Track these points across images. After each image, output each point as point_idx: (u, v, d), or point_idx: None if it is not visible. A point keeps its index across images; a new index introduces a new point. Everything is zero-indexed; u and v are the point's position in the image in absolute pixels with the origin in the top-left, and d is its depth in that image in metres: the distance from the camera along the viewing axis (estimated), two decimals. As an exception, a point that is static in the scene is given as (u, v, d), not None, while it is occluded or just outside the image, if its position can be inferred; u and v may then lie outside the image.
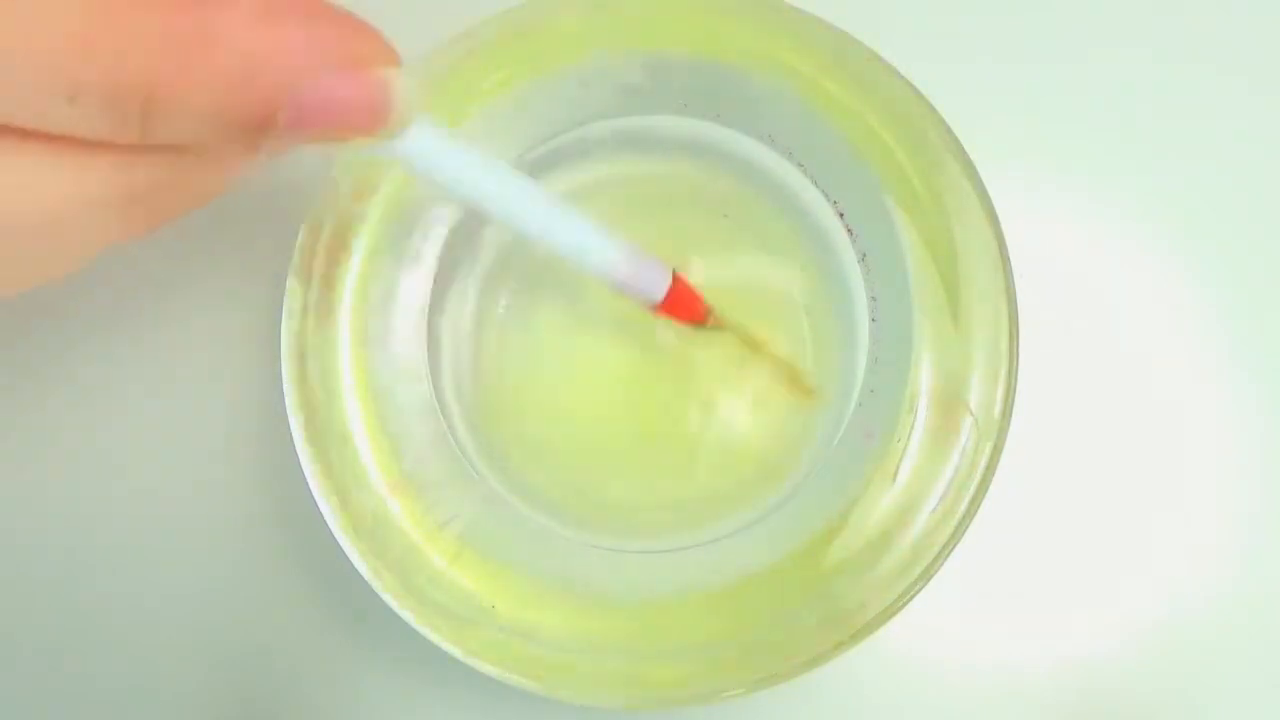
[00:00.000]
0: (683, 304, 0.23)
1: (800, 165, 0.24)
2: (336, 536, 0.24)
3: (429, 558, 0.24)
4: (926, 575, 0.23)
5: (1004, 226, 0.24)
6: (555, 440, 0.26)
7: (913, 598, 0.23)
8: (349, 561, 0.23)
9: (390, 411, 0.24)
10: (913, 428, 0.23)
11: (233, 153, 0.18)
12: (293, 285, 0.24)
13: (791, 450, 0.25)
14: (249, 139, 0.16)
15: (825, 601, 0.23)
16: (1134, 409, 0.27)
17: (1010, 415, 0.23)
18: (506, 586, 0.24)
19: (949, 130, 0.24)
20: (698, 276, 0.24)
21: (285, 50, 0.15)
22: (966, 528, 0.23)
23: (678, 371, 0.26)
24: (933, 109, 0.24)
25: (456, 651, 0.23)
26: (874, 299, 0.24)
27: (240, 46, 0.15)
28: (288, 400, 0.24)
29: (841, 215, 0.24)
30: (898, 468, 0.23)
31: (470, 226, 0.25)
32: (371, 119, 0.16)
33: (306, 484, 0.24)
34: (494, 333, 0.26)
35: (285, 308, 0.24)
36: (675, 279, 0.23)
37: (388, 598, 0.23)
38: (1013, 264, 0.23)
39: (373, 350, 0.24)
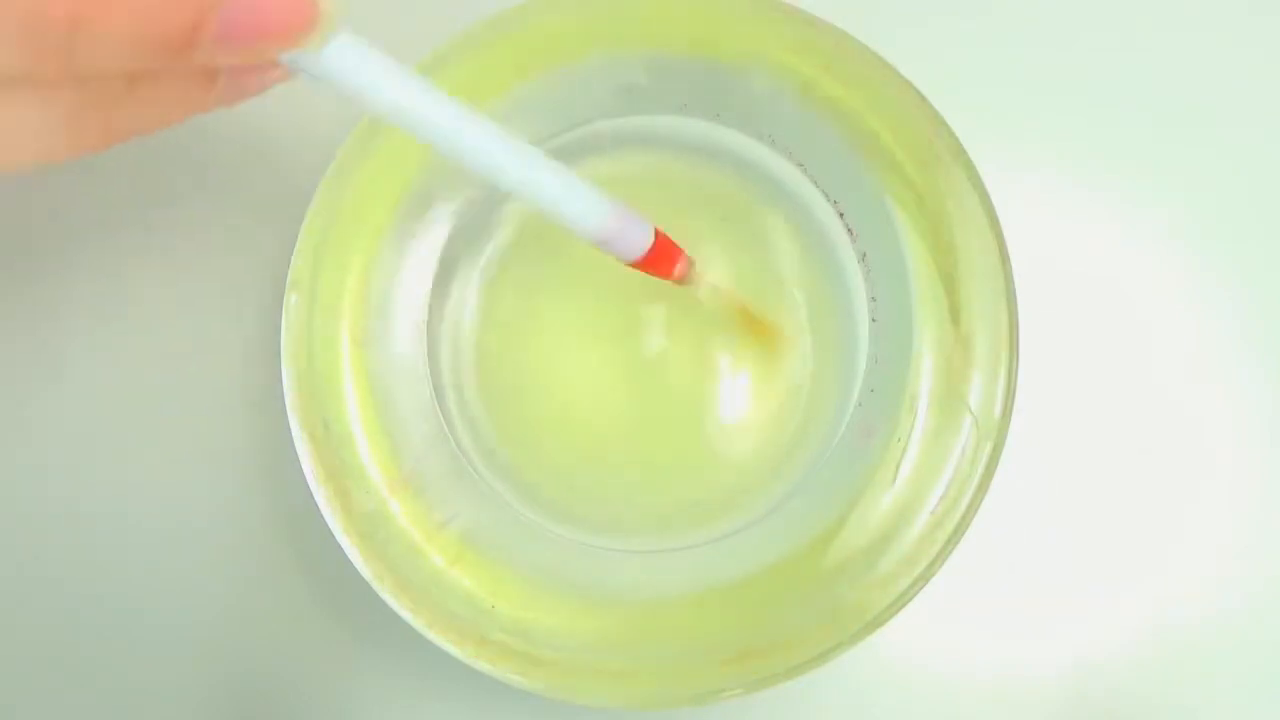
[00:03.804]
0: (664, 259, 0.23)
1: (800, 165, 0.24)
2: (336, 536, 0.24)
3: (429, 558, 0.24)
4: (926, 575, 0.23)
5: (1004, 226, 0.24)
6: (555, 441, 0.26)
7: (913, 598, 0.23)
8: (349, 561, 0.24)
9: (390, 411, 0.24)
10: (913, 427, 0.23)
11: (180, 83, 0.18)
12: (293, 286, 0.24)
13: (791, 451, 0.25)
14: (177, 60, 0.15)
15: (825, 601, 0.23)
16: (1134, 409, 0.27)
17: (1010, 415, 0.23)
18: (506, 586, 0.24)
19: (949, 130, 0.24)
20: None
21: None
22: (966, 528, 0.23)
23: (678, 373, 0.26)
24: (932, 109, 0.24)
25: (456, 651, 0.23)
26: (874, 299, 0.24)
27: None
28: (288, 400, 0.24)
29: (841, 215, 0.24)
30: (898, 468, 0.23)
31: (471, 228, 0.25)
32: (298, 25, 0.16)
33: (307, 484, 0.24)
34: (494, 334, 0.26)
35: (285, 309, 0.24)
36: (658, 234, 0.22)
37: (388, 598, 0.23)
38: (1013, 264, 0.23)
39: (373, 350, 0.24)
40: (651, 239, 0.22)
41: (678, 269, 0.23)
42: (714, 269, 0.26)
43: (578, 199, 0.21)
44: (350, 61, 0.17)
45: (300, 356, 0.24)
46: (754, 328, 0.25)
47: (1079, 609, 0.27)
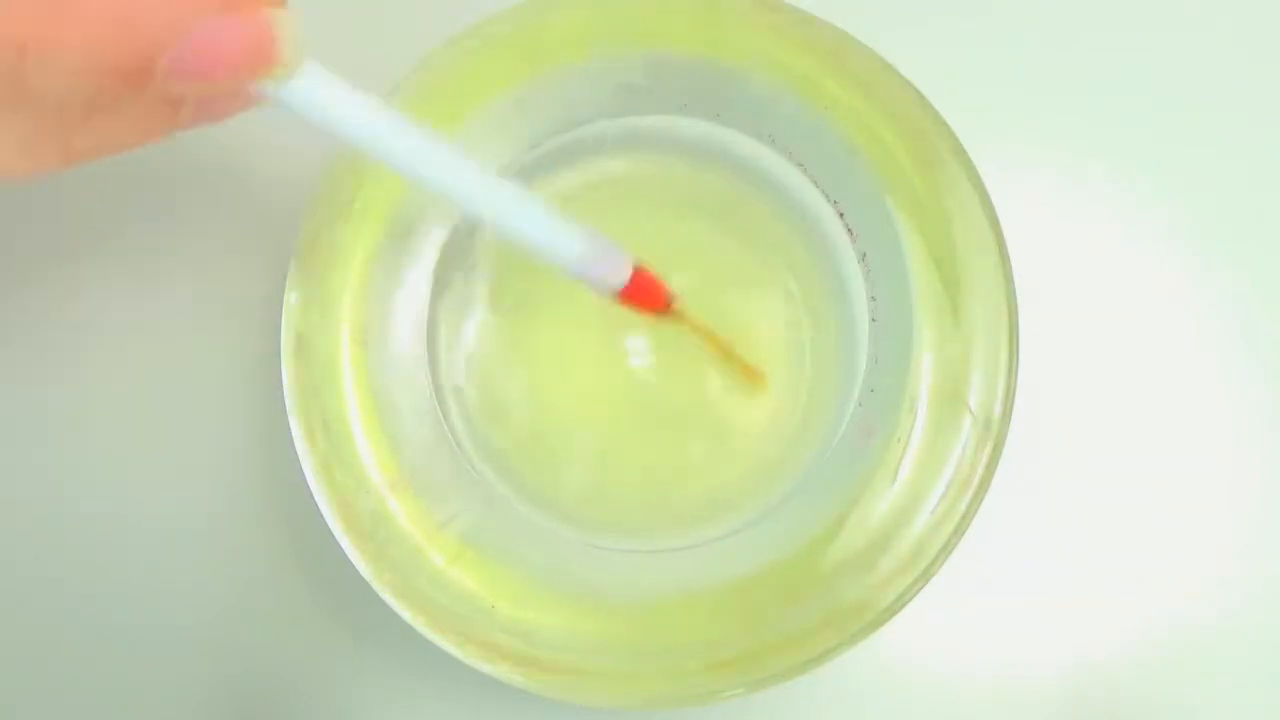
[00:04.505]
0: (645, 293, 0.22)
1: (800, 165, 0.24)
2: (336, 536, 0.24)
3: (429, 558, 0.24)
4: (926, 575, 0.23)
5: (1004, 226, 0.24)
6: (555, 440, 0.26)
7: (913, 598, 0.23)
8: (349, 561, 0.23)
9: (390, 411, 0.24)
10: (913, 427, 0.23)
11: (142, 108, 0.18)
12: (292, 286, 0.24)
13: (791, 451, 0.25)
14: (133, 90, 0.15)
15: (825, 601, 0.23)
16: (1134, 409, 0.27)
17: (1010, 415, 0.23)
18: (506, 586, 0.24)
19: (949, 130, 0.24)
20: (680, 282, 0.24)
21: None
22: (966, 528, 0.23)
23: (679, 373, 0.26)
24: (932, 108, 0.24)
25: (456, 651, 0.23)
26: (874, 299, 0.24)
27: None
28: (288, 401, 0.24)
29: (841, 215, 0.24)
30: (898, 467, 0.23)
31: (471, 227, 0.25)
32: (258, 61, 0.16)
33: (306, 484, 0.24)
34: (494, 333, 0.26)
35: (285, 308, 0.24)
36: (637, 268, 0.22)
37: (388, 598, 0.23)
38: (1013, 264, 0.23)
39: (373, 350, 0.24)
40: (629, 271, 0.22)
41: (660, 303, 0.23)
42: (714, 267, 0.26)
43: (551, 228, 0.20)
44: (316, 95, 0.17)
45: (300, 356, 0.24)
46: (732, 364, 0.25)
47: (1079, 609, 0.27)
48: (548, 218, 0.20)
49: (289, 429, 0.24)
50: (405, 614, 0.23)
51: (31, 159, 0.17)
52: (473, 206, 0.19)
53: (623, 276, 0.22)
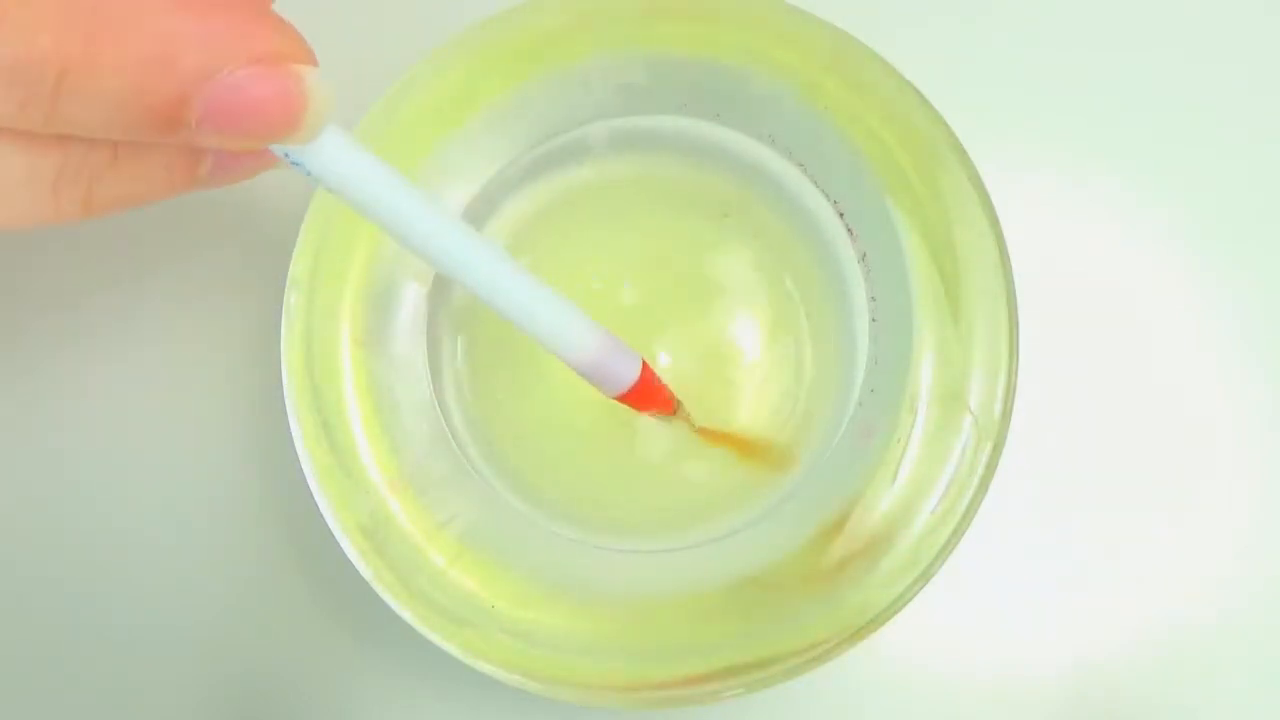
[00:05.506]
0: (648, 396, 0.22)
1: (800, 165, 0.24)
2: (336, 536, 0.24)
3: (429, 558, 0.24)
4: (926, 575, 0.23)
5: (1004, 226, 0.24)
6: (555, 440, 0.26)
7: (913, 598, 0.23)
8: (349, 561, 0.24)
9: (390, 411, 0.24)
10: (913, 427, 0.23)
11: (165, 161, 0.18)
12: (293, 285, 0.24)
13: (791, 450, 0.25)
14: (161, 135, 0.15)
15: (825, 601, 0.23)
16: (1134, 409, 0.27)
17: (1010, 415, 0.23)
18: (506, 586, 0.24)
19: (949, 130, 0.24)
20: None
21: (204, 35, 0.15)
22: (966, 528, 0.23)
23: (678, 373, 0.26)
24: (933, 109, 0.24)
25: (456, 651, 0.23)
26: (874, 299, 0.24)
27: (158, 29, 0.14)
28: (288, 400, 0.24)
29: (841, 215, 0.24)
30: (898, 467, 0.23)
31: (472, 226, 0.25)
32: (286, 118, 0.15)
33: (306, 484, 0.24)
34: (494, 334, 0.26)
35: (285, 308, 0.24)
36: (644, 370, 0.22)
37: (388, 598, 0.23)
38: (1013, 264, 0.23)
39: (373, 350, 0.24)
40: (637, 374, 0.21)
41: (664, 406, 0.23)
42: (714, 267, 0.26)
43: (563, 324, 0.20)
44: (339, 162, 0.17)
45: (300, 356, 0.24)
46: (752, 454, 0.25)
47: (1079, 609, 0.27)
48: (563, 310, 0.20)
49: (289, 429, 0.24)
50: (405, 614, 0.23)
51: (52, 205, 0.17)
52: (487, 294, 0.19)
53: (630, 377, 0.21)
